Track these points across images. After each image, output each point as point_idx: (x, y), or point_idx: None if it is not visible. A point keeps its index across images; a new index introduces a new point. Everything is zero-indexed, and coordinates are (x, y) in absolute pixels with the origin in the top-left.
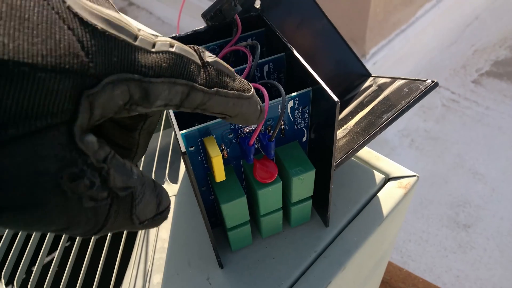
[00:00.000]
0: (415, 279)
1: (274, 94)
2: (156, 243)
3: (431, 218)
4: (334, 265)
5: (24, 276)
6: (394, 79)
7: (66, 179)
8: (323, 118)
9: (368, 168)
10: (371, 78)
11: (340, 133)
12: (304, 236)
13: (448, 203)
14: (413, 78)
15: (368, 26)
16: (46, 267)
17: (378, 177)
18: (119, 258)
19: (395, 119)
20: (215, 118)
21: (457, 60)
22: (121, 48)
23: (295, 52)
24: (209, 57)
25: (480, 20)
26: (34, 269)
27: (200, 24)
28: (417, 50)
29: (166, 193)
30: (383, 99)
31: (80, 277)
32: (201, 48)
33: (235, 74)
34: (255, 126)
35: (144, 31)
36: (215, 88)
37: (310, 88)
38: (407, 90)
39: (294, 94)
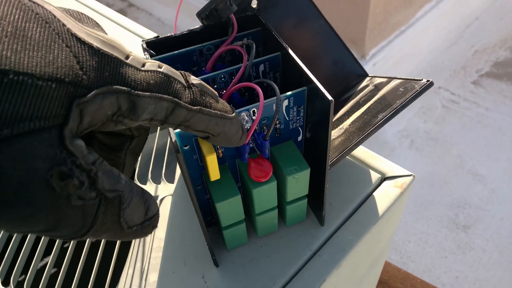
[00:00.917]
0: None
1: (269, 93)
2: (152, 243)
3: (430, 219)
4: (328, 263)
5: (20, 275)
6: (390, 79)
7: (56, 177)
8: (318, 117)
9: (364, 168)
10: (367, 78)
11: (336, 132)
12: (299, 235)
13: (448, 204)
14: (409, 78)
15: (368, 27)
16: (42, 266)
17: (374, 176)
18: (115, 257)
19: (389, 118)
20: None
21: (457, 61)
22: (113, 64)
23: (290, 51)
24: (194, 79)
25: (480, 21)
26: (30, 268)
27: (199, 25)
28: (417, 51)
29: (154, 200)
30: (379, 99)
31: (76, 275)
32: (187, 73)
33: (219, 97)
34: (250, 124)
35: (135, 53)
36: (198, 107)
37: (305, 88)
38: (402, 89)
39: (289, 93)
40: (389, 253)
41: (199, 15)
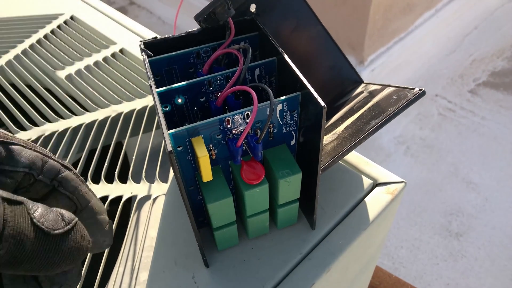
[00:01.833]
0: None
1: (264, 97)
2: (144, 241)
3: (423, 226)
4: (318, 267)
5: None
6: (385, 86)
7: None
8: (311, 122)
9: (356, 173)
10: (363, 85)
11: (329, 137)
12: (290, 238)
13: (441, 211)
14: (402, 86)
15: (367, 33)
16: None
17: (366, 182)
18: (106, 255)
19: (381, 125)
20: (206, 117)
21: (454, 70)
22: None
23: (285, 56)
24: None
25: (479, 31)
26: None
27: (198, 26)
28: (415, 58)
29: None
30: (372, 106)
31: None
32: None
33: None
34: (243, 127)
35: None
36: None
37: (299, 93)
38: (395, 97)
39: (283, 97)
40: (381, 259)
41: (197, 18)
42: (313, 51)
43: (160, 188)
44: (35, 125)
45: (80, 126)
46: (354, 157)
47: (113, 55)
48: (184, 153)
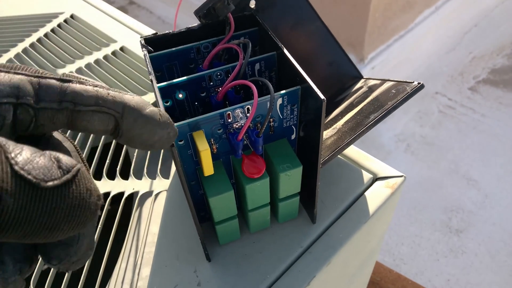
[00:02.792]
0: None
1: (265, 91)
2: (146, 237)
3: (424, 223)
4: (319, 260)
5: None
6: (384, 81)
7: None
8: (311, 116)
9: (356, 168)
10: (362, 80)
11: (329, 132)
12: (291, 232)
13: (442, 208)
14: (401, 80)
15: (367, 31)
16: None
17: (366, 176)
18: (108, 251)
19: (381, 119)
20: (207, 112)
21: (454, 67)
22: None
23: (285, 51)
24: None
25: (479, 28)
26: None
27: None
28: (415, 56)
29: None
30: (371, 100)
31: None
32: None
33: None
34: (244, 121)
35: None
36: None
37: (298, 87)
38: (394, 91)
39: (283, 92)
40: (382, 255)
41: (197, 13)
42: (313, 47)
43: (161, 184)
44: None
45: None
46: (354, 152)
47: (113, 53)
48: (186, 147)
